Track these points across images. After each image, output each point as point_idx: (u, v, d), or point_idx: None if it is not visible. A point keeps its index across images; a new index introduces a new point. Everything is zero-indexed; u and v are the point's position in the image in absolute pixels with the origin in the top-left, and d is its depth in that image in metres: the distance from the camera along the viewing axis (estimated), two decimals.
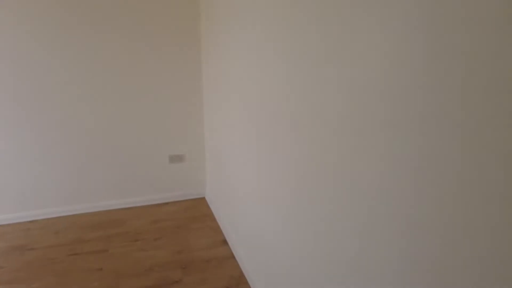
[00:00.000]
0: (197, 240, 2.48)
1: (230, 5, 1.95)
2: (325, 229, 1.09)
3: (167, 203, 3.16)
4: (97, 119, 2.85)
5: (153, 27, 2.82)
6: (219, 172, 2.66)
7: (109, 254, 2.31)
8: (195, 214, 2.91)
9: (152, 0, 2.77)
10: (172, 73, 2.96)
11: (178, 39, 2.91)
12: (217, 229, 2.64)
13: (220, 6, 2.17)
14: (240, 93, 1.88)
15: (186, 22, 2.90)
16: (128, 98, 2.89)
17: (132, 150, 3.01)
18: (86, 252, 2.35)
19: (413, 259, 0.74)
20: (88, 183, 2.95)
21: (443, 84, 0.63)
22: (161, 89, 2.96)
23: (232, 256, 2.28)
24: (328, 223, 1.07)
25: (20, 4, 2.48)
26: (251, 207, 1.87)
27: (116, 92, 2.85)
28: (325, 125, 1.03)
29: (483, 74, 0.55)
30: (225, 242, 2.45)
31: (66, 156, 2.84)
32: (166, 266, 2.18)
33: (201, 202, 3.19)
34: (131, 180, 3.07)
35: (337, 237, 1.03)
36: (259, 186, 1.68)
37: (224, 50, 2.17)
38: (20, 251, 2.40)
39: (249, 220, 1.93)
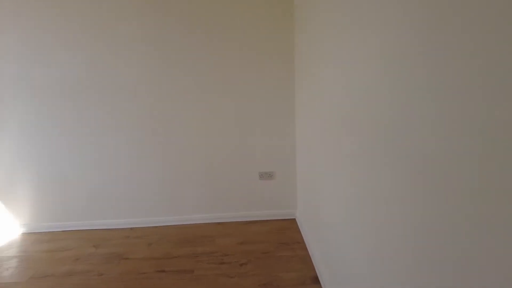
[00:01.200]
0: (285, 273, 2.23)
1: (324, 24, 1.66)
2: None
3: (255, 222, 3.00)
4: (190, 135, 2.85)
5: (246, 44, 2.70)
6: (309, 194, 2.37)
7: (194, 276, 2.23)
8: (284, 239, 2.67)
9: (246, 14, 2.65)
10: (265, 90, 2.79)
11: (271, 55, 2.73)
12: (307, 261, 2.35)
13: (314, 26, 1.89)
14: (333, 113, 1.57)
15: (280, 39, 2.71)
16: (220, 115, 2.83)
17: (223, 166, 2.94)
18: (173, 270, 2.32)
19: None
20: (180, 196, 2.98)
21: None
22: (253, 106, 2.82)
23: None
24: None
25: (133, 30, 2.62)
26: (341, 241, 1.54)
27: (208, 109, 2.81)
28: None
29: None
30: (316, 279, 2.14)
31: (163, 169, 2.91)
32: None
33: (291, 224, 2.94)
34: (221, 196, 3.00)
35: None
36: (348, 216, 1.35)
37: (318, 70, 1.88)
38: (117, 259, 2.50)
39: (343, 257, 1.60)
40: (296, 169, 2.96)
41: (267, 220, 3.02)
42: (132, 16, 2.64)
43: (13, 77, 2.72)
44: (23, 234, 3.02)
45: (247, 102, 2.81)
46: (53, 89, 2.74)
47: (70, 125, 2.81)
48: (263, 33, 2.70)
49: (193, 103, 2.80)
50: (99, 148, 2.86)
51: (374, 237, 1.22)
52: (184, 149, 2.89)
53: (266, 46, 2.72)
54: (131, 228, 2.99)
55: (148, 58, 2.71)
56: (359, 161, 1.32)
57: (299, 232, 2.78)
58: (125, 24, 2.64)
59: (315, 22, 1.99)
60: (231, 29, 2.68)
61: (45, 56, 2.68)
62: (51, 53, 2.67)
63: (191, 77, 2.75)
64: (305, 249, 2.51)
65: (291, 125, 2.87)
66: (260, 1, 2.66)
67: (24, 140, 2.83)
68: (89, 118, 2.80)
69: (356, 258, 1.42)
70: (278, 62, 2.75)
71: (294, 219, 3.03)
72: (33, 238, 2.93)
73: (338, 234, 1.69)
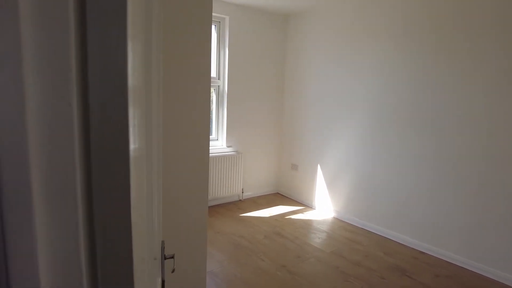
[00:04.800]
0: None
1: None
2: None
3: None
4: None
5: None
6: None
7: None
8: None
9: None
10: None
11: None
12: None
13: None
14: None
15: None
16: None
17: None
18: None
19: None
20: (490, 244, 2.62)
21: None
22: None
23: None
24: None
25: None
26: None
27: None
28: None
29: None
30: None
31: (483, 208, 2.68)
32: None
33: None
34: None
35: None
36: None
37: None
38: (400, 272, 2.62)
39: None
40: None
41: None
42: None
43: (360, 98, 3.42)
44: (334, 218, 3.77)
45: None
46: (383, 112, 3.19)
47: (393, 140, 3.17)
48: None
49: None
50: (416, 167, 3.04)
51: None
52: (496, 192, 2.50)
53: None
54: (421, 252, 2.98)
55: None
56: None
57: None
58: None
59: None
60: None
61: (389, 85, 3.16)
62: (390, 82, 3.12)
63: None
64: None
65: None
66: None
67: (357, 141, 3.51)
68: (412, 140, 3.03)
69: None
70: None
71: None
72: (340, 224, 3.60)
73: None
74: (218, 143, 4.03)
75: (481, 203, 2.63)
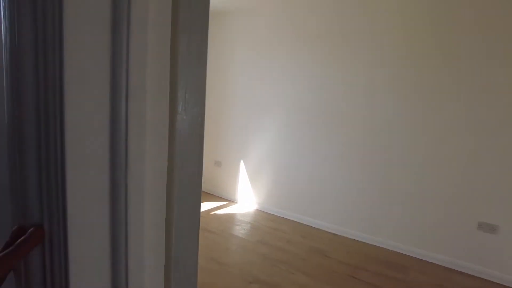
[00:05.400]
0: None
1: None
2: None
3: (462, 274, 2.72)
4: (407, 165, 2.94)
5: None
6: None
7: None
8: None
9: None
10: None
11: None
12: None
13: None
14: None
15: None
16: (444, 149, 2.77)
17: (437, 205, 2.84)
18: (361, 279, 2.51)
19: None
20: (386, 220, 3.10)
21: None
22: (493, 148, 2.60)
23: None
24: None
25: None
26: None
27: (430, 140, 2.81)
28: None
29: None
30: None
31: (372, 190, 3.13)
32: None
33: None
34: (429, 233, 2.90)
35: None
36: None
37: None
38: (319, 253, 2.93)
39: None
40: None
41: (480, 279, 2.67)
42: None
43: (279, 97, 3.68)
44: (256, 209, 3.98)
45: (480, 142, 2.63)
46: (302, 107, 3.51)
47: (312, 134, 3.50)
48: None
49: (410, 131, 2.88)
50: (327, 159, 3.41)
51: None
52: (398, 177, 3.00)
53: None
54: (334, 234, 3.36)
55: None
56: None
57: None
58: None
59: None
60: None
61: (302, 83, 3.48)
62: (305, 80, 3.45)
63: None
64: None
65: None
66: None
67: (277, 138, 3.76)
68: (325, 133, 3.40)
69: None
70: None
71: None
72: (262, 215, 3.82)
73: None
74: None
75: (376, 188, 3.10)
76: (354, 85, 3.18)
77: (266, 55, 3.75)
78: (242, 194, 4.15)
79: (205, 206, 4.00)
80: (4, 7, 0.39)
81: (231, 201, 4.25)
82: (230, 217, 3.71)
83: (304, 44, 3.45)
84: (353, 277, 2.55)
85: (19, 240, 0.40)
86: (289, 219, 3.69)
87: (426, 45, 2.80)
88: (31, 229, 0.41)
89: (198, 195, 0.56)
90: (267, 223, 3.57)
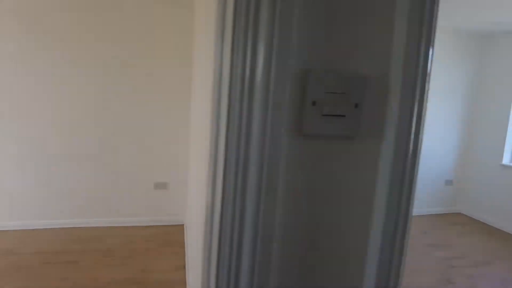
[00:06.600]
0: (161, 260, 2.70)
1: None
2: None
3: (147, 227, 3.40)
4: (90, 140, 3.22)
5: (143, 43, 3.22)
6: (192, 199, 2.89)
7: (78, 266, 2.57)
8: (169, 239, 3.13)
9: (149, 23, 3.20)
10: (162, 102, 3.31)
11: (169, 56, 3.28)
12: (182, 255, 2.84)
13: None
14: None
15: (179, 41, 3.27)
16: (121, 123, 3.26)
17: (121, 173, 3.33)
18: (59, 262, 2.62)
19: None
20: (77, 200, 3.27)
21: None
22: (152, 118, 3.31)
23: (184, 282, 2.46)
24: None
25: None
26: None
27: (111, 114, 3.23)
28: None
29: None
30: (183, 267, 2.64)
31: (62, 172, 3.20)
32: (124, 282, 2.41)
33: (179, 228, 3.41)
34: (117, 202, 3.36)
35: None
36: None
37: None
38: (7, 253, 2.71)
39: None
40: (188, 177, 3.47)
41: (158, 226, 3.44)
42: None
43: None
44: None
45: (146, 114, 3.30)
46: None
47: None
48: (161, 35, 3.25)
49: (93, 106, 3.19)
50: None
51: None
52: (86, 156, 3.23)
53: (164, 47, 3.25)
54: (23, 230, 3.15)
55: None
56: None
57: (183, 234, 3.27)
58: None
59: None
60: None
61: None
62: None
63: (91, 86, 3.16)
64: (183, 246, 3.00)
65: (186, 136, 3.37)
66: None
67: None
68: None
69: None
70: (176, 65, 3.29)
71: (183, 224, 3.51)
72: None
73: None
74: None
75: (33, 171, 3.21)
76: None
77: None
78: None
79: None
80: None
81: None
82: None
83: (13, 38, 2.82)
84: (49, 263, 2.60)
85: None
86: None
87: None
88: None
89: None
90: None
